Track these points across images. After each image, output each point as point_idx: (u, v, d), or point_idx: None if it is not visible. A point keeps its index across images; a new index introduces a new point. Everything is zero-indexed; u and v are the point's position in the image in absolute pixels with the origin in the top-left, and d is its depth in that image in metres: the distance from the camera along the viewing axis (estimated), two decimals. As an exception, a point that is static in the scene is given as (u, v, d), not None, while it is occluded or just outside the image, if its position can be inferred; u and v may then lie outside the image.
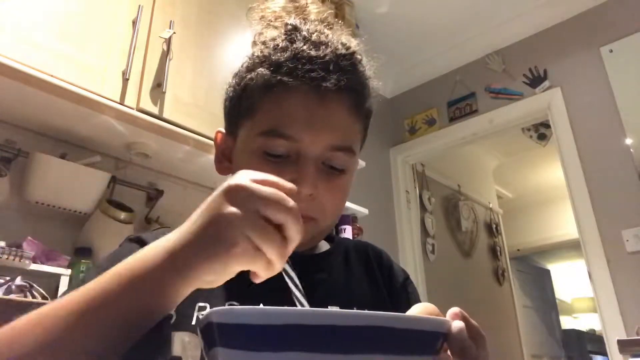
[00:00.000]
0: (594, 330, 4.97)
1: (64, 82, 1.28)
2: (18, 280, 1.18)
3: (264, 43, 0.59)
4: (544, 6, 2.67)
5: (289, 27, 0.57)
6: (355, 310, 0.30)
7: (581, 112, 2.48)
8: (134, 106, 1.41)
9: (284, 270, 0.41)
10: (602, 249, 2.23)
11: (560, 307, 5.28)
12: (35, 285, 1.20)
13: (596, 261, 2.24)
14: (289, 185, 0.40)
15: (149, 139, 1.53)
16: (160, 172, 1.76)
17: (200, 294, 0.53)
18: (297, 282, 0.39)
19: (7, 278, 1.17)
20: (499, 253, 3.96)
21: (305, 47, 0.55)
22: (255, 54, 0.59)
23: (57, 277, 1.32)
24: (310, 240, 0.61)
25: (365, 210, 2.35)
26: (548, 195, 4.81)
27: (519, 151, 4.26)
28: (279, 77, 0.55)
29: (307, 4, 0.63)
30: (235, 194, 0.38)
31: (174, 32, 1.53)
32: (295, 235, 0.38)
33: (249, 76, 0.59)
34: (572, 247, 4.56)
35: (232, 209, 0.37)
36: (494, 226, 4.07)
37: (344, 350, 0.29)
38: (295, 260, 0.60)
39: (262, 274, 0.39)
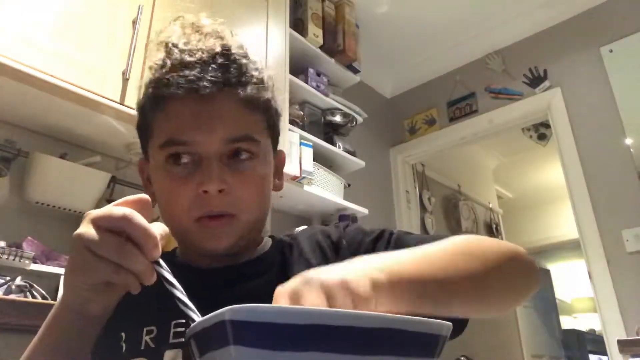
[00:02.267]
0: (594, 330, 4.97)
1: (64, 82, 1.28)
2: (18, 280, 1.18)
3: (150, 68, 0.62)
4: (544, 6, 2.67)
5: (169, 45, 0.60)
6: (371, 312, 0.30)
7: (581, 112, 2.48)
8: (134, 106, 1.41)
9: (164, 278, 0.42)
10: (602, 249, 2.23)
11: (560, 307, 5.27)
12: (35, 285, 1.20)
13: (596, 261, 2.24)
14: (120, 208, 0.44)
15: (149, 139, 1.53)
16: (160, 172, 1.76)
17: (146, 319, 0.57)
18: (177, 286, 0.41)
19: (7, 278, 1.17)
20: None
21: (181, 57, 0.58)
22: (146, 81, 0.62)
23: (57, 277, 1.32)
24: (239, 240, 0.59)
25: (365, 210, 2.35)
26: (548, 195, 4.81)
27: (519, 151, 4.26)
28: (162, 91, 0.58)
29: (198, 20, 0.65)
30: (79, 235, 0.44)
31: (174, 32, 1.53)
32: (141, 237, 0.41)
33: (142, 101, 0.63)
34: (572, 247, 4.55)
35: (86, 237, 0.43)
36: (494, 226, 4.07)
37: (361, 352, 0.29)
38: (223, 271, 0.61)
39: (132, 286, 0.42)
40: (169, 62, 0.58)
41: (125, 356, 0.56)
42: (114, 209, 0.42)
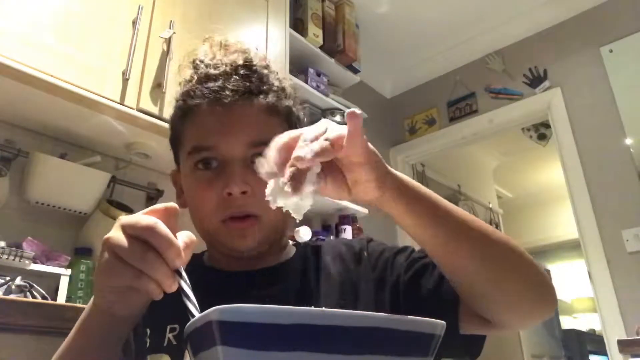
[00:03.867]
0: (594, 330, 4.96)
1: (64, 82, 1.28)
2: (18, 280, 1.18)
3: (180, 83, 0.67)
4: (544, 6, 2.67)
5: (196, 61, 0.66)
6: (361, 312, 0.30)
7: (581, 112, 2.48)
8: (134, 106, 1.41)
9: (181, 288, 0.43)
10: (602, 249, 2.23)
11: (560, 307, 5.27)
12: (35, 285, 1.20)
13: (596, 261, 2.24)
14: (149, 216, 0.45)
15: (149, 139, 1.53)
16: (160, 172, 1.76)
17: (170, 317, 0.59)
18: (192, 298, 0.42)
19: (7, 278, 1.17)
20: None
21: (207, 71, 0.63)
22: (176, 96, 0.68)
23: (57, 277, 1.32)
24: (265, 239, 0.62)
25: (365, 210, 2.35)
26: (548, 195, 4.81)
27: (519, 151, 4.26)
28: (189, 103, 0.63)
29: (226, 40, 0.69)
30: (108, 240, 0.44)
31: (174, 32, 1.53)
32: (163, 246, 0.42)
33: (172, 115, 0.68)
34: (572, 247, 4.55)
35: (113, 241, 0.44)
36: (493, 226, 4.06)
37: (348, 351, 0.29)
38: (251, 274, 0.63)
39: (153, 293, 0.43)
40: (195, 77, 0.64)
41: (149, 351, 0.59)
42: (141, 217, 0.44)
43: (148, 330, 0.60)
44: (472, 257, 0.51)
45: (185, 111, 0.64)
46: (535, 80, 2.68)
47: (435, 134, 3.04)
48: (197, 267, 0.67)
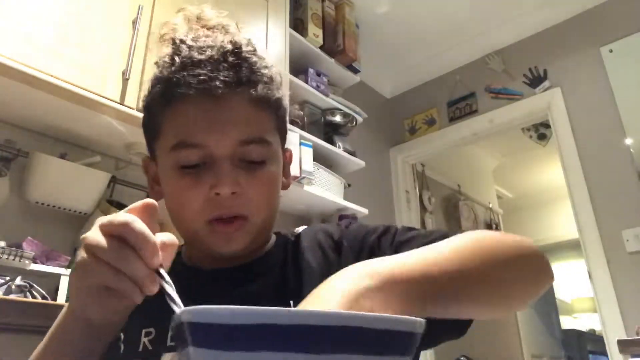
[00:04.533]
0: (594, 330, 4.97)
1: (64, 82, 1.28)
2: (18, 280, 1.18)
3: (156, 63, 0.60)
4: (544, 6, 2.67)
5: (176, 41, 0.59)
6: (326, 310, 0.29)
7: (581, 112, 2.48)
8: (134, 106, 1.41)
9: (162, 287, 0.41)
10: (602, 249, 2.23)
11: (560, 307, 5.27)
12: (35, 285, 1.20)
13: (596, 261, 2.24)
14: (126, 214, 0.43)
15: (149, 139, 1.53)
16: (160, 172, 1.76)
17: (145, 321, 0.56)
18: (177, 300, 0.39)
19: (7, 278, 1.18)
20: (498, 253, 3.95)
21: (190, 54, 0.57)
22: (152, 77, 0.61)
23: (57, 277, 1.32)
24: (251, 242, 0.59)
25: (365, 210, 2.35)
26: (548, 195, 4.81)
27: (519, 151, 4.26)
28: (172, 91, 0.57)
29: (202, 12, 0.65)
30: (84, 239, 0.43)
31: (174, 32, 1.53)
32: (138, 242, 0.40)
33: (149, 99, 0.61)
34: (572, 247, 4.55)
35: (89, 240, 0.42)
36: (494, 226, 4.07)
37: (316, 350, 0.28)
38: (228, 272, 0.61)
39: (132, 294, 0.41)
40: (178, 60, 0.57)
41: (123, 357, 0.56)
42: (117, 214, 0.42)
43: (122, 335, 0.57)
44: (475, 309, 0.48)
45: (167, 99, 0.58)
46: (535, 80, 2.68)
47: (435, 134, 3.04)
48: (175, 265, 0.60)
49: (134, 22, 1.46)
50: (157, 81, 0.60)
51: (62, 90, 1.28)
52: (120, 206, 1.54)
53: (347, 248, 0.61)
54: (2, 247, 1.24)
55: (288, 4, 2.12)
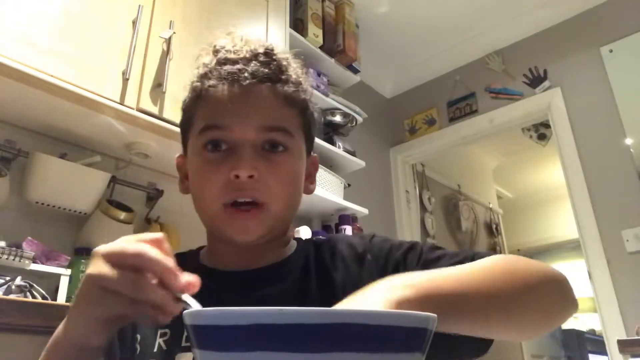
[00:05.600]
0: (594, 330, 4.96)
1: (64, 82, 1.28)
2: (18, 280, 1.18)
3: (197, 67, 0.65)
4: (544, 6, 2.67)
5: (217, 47, 0.64)
6: (321, 308, 0.29)
7: (581, 112, 2.48)
8: (134, 106, 1.41)
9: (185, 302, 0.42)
10: (602, 249, 2.23)
11: (560, 307, 5.27)
12: (35, 285, 1.20)
13: (596, 261, 2.24)
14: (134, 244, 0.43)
15: (149, 139, 1.53)
16: (160, 172, 1.76)
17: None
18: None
19: (7, 278, 1.17)
20: (499, 253, 3.95)
21: (225, 55, 0.62)
22: (192, 78, 0.65)
23: (57, 277, 1.32)
24: (267, 232, 0.60)
25: (365, 210, 2.35)
26: (548, 195, 4.81)
27: (519, 151, 4.26)
28: (205, 84, 0.61)
29: (247, 35, 0.68)
30: (91, 275, 0.42)
31: (174, 32, 1.53)
32: (159, 271, 0.40)
33: (186, 99, 0.66)
34: (572, 247, 4.55)
35: (99, 275, 0.41)
36: (494, 226, 4.07)
37: (314, 349, 0.28)
38: (248, 274, 0.62)
39: (157, 319, 0.41)
40: (215, 59, 0.62)
41: (138, 357, 0.57)
42: (126, 245, 0.42)
43: (138, 336, 0.59)
44: (502, 330, 0.49)
45: (199, 92, 0.62)
46: (535, 80, 2.68)
47: (435, 134, 3.04)
48: (191, 265, 0.68)
49: (134, 22, 1.46)
50: (194, 79, 0.64)
51: (62, 90, 1.28)
52: (120, 206, 1.54)
53: (371, 261, 0.62)
54: (2, 247, 1.24)
55: (288, 4, 2.12)
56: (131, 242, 0.42)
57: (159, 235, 0.44)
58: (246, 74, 0.59)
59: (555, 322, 0.54)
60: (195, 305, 0.41)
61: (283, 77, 0.62)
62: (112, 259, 0.41)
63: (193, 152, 0.63)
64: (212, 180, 0.58)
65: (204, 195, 0.60)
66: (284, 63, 0.63)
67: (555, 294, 0.54)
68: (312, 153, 0.70)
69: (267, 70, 0.60)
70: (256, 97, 0.60)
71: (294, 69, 0.64)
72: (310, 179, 0.69)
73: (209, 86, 0.61)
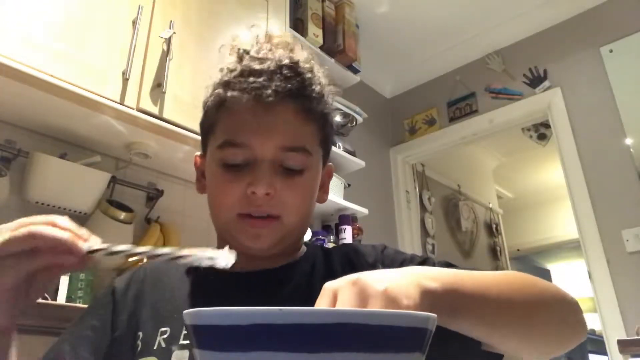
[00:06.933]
0: (594, 330, 4.96)
1: (64, 82, 1.28)
2: (18, 280, 1.18)
3: (221, 70, 0.65)
4: (544, 6, 2.67)
5: (241, 51, 0.64)
6: (321, 308, 0.29)
7: (581, 112, 2.48)
8: (134, 106, 1.41)
9: (109, 252, 0.46)
10: (602, 249, 2.23)
11: (560, 307, 5.27)
12: (35, 285, 1.20)
13: (596, 261, 2.24)
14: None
15: (149, 139, 1.53)
16: (160, 172, 1.76)
17: (162, 321, 0.60)
18: (125, 249, 0.44)
19: (7, 278, 1.17)
20: (499, 253, 3.96)
21: (251, 64, 0.61)
22: (214, 82, 0.66)
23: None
24: (279, 242, 0.61)
25: (365, 210, 2.35)
26: (548, 195, 4.81)
27: (519, 151, 4.26)
28: (228, 94, 0.61)
29: (271, 32, 0.68)
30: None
31: (174, 32, 1.53)
32: (47, 239, 0.44)
33: (208, 101, 0.66)
34: (572, 247, 4.55)
35: None
36: (494, 226, 4.07)
37: (314, 349, 0.28)
38: (254, 275, 0.63)
39: (65, 263, 0.46)
40: (239, 67, 0.62)
41: (138, 354, 0.59)
42: (14, 233, 0.45)
43: (140, 334, 0.60)
44: (513, 342, 0.49)
45: (222, 101, 0.62)
46: (535, 80, 2.68)
47: (435, 134, 3.04)
48: (198, 266, 0.68)
49: (134, 22, 1.46)
50: (217, 85, 0.64)
51: (62, 90, 1.28)
52: (120, 206, 1.54)
53: None
54: (2, 247, 1.24)
55: (288, 4, 2.12)
56: (19, 228, 0.45)
57: (52, 217, 0.46)
58: (269, 91, 0.59)
59: (566, 342, 0.54)
60: (112, 248, 0.44)
61: (306, 92, 0.62)
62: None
63: (212, 160, 0.63)
64: (228, 193, 0.60)
65: (220, 204, 0.62)
66: (308, 76, 0.63)
67: (569, 314, 0.54)
68: (328, 162, 0.70)
69: (290, 85, 0.60)
70: (277, 115, 0.60)
71: (317, 80, 0.64)
72: (324, 188, 0.70)
73: (232, 96, 0.61)
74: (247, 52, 0.63)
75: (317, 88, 0.64)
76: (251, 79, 0.60)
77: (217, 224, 0.64)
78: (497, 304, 0.45)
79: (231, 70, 0.63)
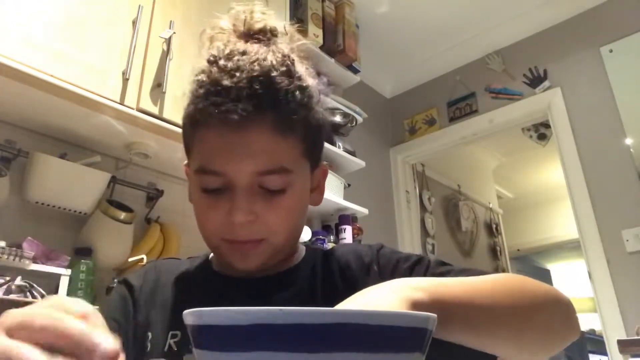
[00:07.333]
0: (594, 330, 4.96)
1: (64, 82, 1.28)
2: (18, 280, 1.18)
3: (196, 74, 0.60)
4: (544, 6, 2.67)
5: (210, 58, 0.59)
6: (321, 308, 0.29)
7: (581, 112, 2.48)
8: (134, 106, 1.41)
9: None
10: (602, 249, 2.23)
11: (560, 307, 5.27)
12: (35, 285, 1.20)
13: (596, 261, 2.24)
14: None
15: (149, 139, 1.53)
16: (160, 172, 1.76)
17: (173, 324, 0.59)
18: None
19: (7, 278, 1.17)
20: (499, 253, 3.96)
21: (219, 78, 0.56)
22: (189, 91, 0.61)
23: (57, 277, 1.32)
24: (269, 259, 0.60)
25: (365, 210, 2.35)
26: (548, 195, 4.81)
27: (519, 151, 4.26)
28: (197, 116, 0.57)
29: (252, 12, 0.64)
30: None
31: (174, 32, 1.53)
32: (66, 340, 0.31)
33: (184, 116, 0.62)
34: (572, 247, 4.55)
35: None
36: (494, 226, 4.06)
37: (314, 349, 0.28)
38: (254, 281, 0.62)
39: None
40: (207, 82, 0.57)
41: (148, 355, 0.58)
42: (35, 315, 0.32)
43: (150, 335, 0.60)
44: (504, 346, 0.49)
45: (194, 122, 0.59)
46: (535, 80, 2.68)
47: (435, 134, 3.04)
48: (203, 271, 0.66)
49: (134, 22, 1.46)
50: (189, 101, 0.61)
51: (62, 90, 1.28)
52: (120, 206, 1.54)
53: (377, 273, 0.62)
54: (2, 247, 1.24)
55: (288, 4, 2.12)
56: (45, 311, 0.32)
57: (88, 308, 0.35)
58: (236, 116, 0.54)
59: (557, 344, 0.54)
60: None
61: (281, 105, 0.56)
62: (17, 333, 0.31)
63: (192, 180, 0.61)
64: (210, 218, 0.58)
65: (204, 228, 0.60)
66: (282, 84, 0.56)
67: (561, 315, 0.54)
68: (321, 161, 0.67)
69: (262, 101, 0.55)
70: (251, 138, 0.55)
71: (296, 85, 0.58)
72: (319, 189, 0.67)
73: (202, 118, 0.57)
74: (215, 60, 0.58)
75: (297, 94, 0.58)
76: (219, 100, 0.54)
77: (206, 243, 0.62)
78: (486, 310, 0.45)
79: (201, 85, 0.58)
